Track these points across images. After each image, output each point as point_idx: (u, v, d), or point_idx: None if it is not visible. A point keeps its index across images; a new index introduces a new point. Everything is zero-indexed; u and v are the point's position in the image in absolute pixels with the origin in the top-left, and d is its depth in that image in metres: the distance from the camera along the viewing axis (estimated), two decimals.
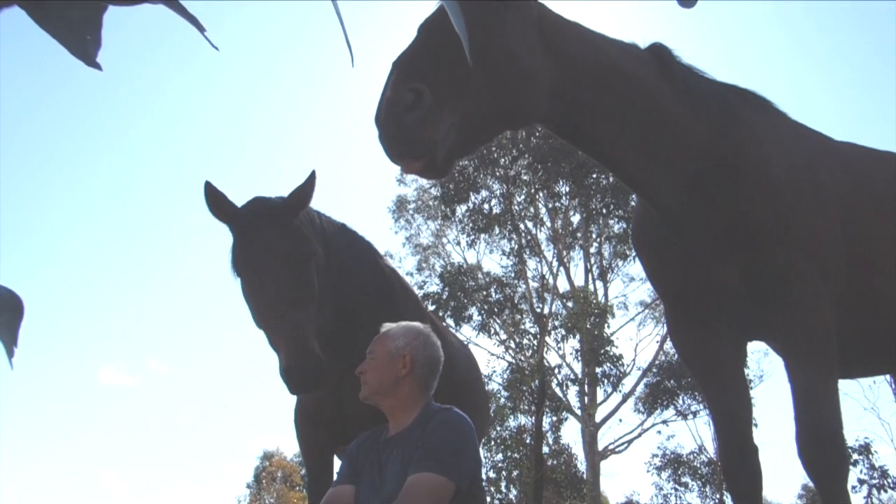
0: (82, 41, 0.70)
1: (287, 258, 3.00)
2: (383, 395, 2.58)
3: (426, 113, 2.09)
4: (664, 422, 20.74)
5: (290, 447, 35.24)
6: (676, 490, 21.50)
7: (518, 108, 2.36)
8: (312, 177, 3.25)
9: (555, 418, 19.88)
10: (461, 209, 19.91)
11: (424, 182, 20.43)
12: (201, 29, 0.75)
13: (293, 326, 2.85)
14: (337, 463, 3.71)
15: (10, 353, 0.70)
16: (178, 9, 0.73)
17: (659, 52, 2.72)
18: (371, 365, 2.61)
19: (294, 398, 3.63)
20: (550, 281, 20.29)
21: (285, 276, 2.95)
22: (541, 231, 20.77)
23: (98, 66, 0.73)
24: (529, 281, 20.21)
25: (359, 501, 2.53)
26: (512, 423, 19.94)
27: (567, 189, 19.40)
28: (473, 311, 19.62)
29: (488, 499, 19.27)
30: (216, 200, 3.12)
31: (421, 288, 20.27)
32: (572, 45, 2.50)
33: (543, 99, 2.39)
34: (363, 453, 2.63)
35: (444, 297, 19.27)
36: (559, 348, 19.66)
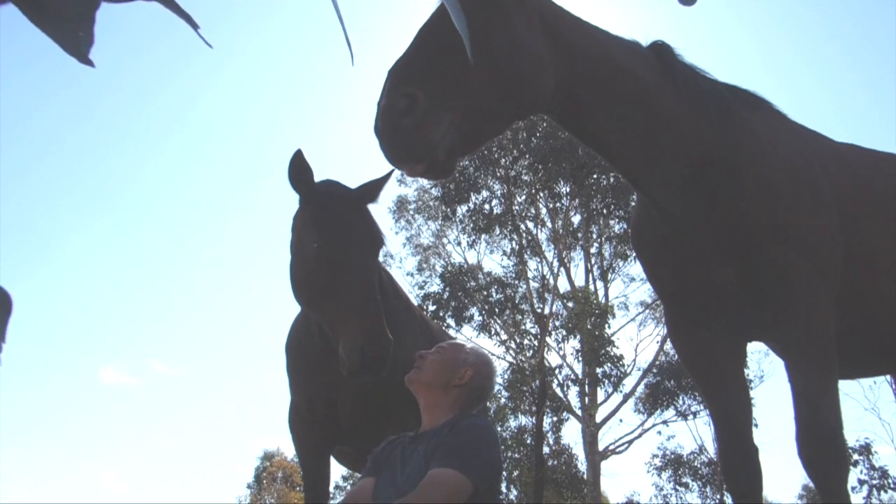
0: (75, 38, 0.70)
1: (368, 240, 3.08)
2: (426, 389, 2.65)
3: (421, 116, 2.10)
4: (664, 422, 20.76)
5: (290, 447, 35.19)
6: (677, 490, 21.50)
7: (523, 98, 2.35)
8: (389, 176, 3.31)
9: (555, 418, 19.90)
10: (462, 209, 19.93)
11: (425, 182, 20.45)
12: (195, 26, 0.75)
13: (373, 308, 2.85)
14: (334, 464, 3.71)
15: None
16: (172, 6, 0.73)
17: (660, 51, 2.72)
18: (435, 357, 2.68)
19: (290, 399, 3.63)
20: (551, 281, 20.29)
21: (367, 256, 3.02)
22: (541, 231, 20.80)
23: (90, 63, 0.72)
24: (530, 281, 20.22)
25: (377, 491, 2.58)
26: (512, 423, 19.99)
27: (567, 189, 19.41)
28: (474, 311, 19.63)
29: None
30: (302, 171, 3.15)
31: (422, 288, 20.30)
32: (575, 37, 2.50)
33: (550, 88, 2.39)
34: (388, 450, 2.69)
35: (445, 297, 19.28)
36: (560, 349, 19.68)
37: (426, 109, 2.11)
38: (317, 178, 3.24)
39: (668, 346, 19.40)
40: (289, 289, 3.15)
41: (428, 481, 2.35)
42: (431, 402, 2.64)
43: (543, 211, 20.59)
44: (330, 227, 3.00)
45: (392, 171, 3.31)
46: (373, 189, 3.28)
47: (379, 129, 2.16)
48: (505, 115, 2.37)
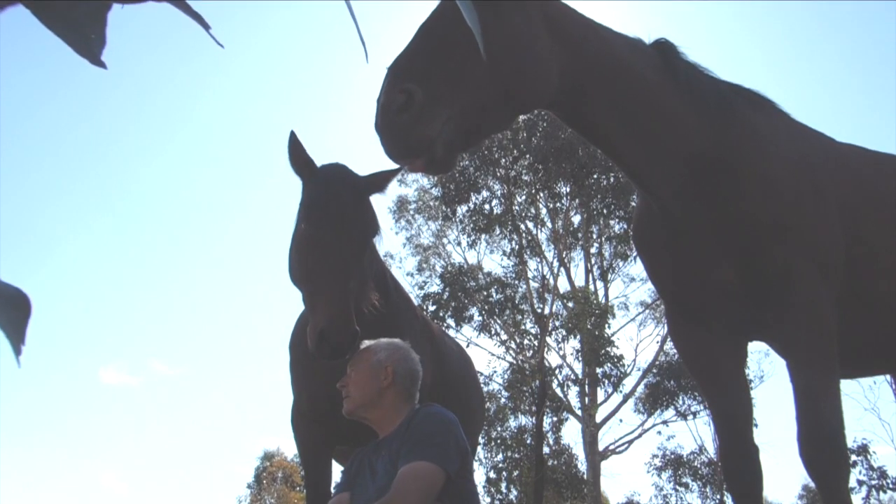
0: (87, 39, 0.71)
1: (358, 228, 3.04)
2: (367, 408, 2.67)
3: (418, 112, 2.13)
4: (664, 422, 20.75)
5: (290, 447, 35.25)
6: (677, 490, 21.51)
7: (523, 93, 2.37)
8: (398, 171, 3.30)
9: (555, 419, 19.90)
10: (462, 209, 19.93)
11: (425, 182, 20.47)
12: (206, 26, 0.76)
13: (340, 294, 2.85)
14: (335, 465, 3.71)
15: (18, 352, 0.70)
16: (183, 7, 0.74)
17: (663, 49, 2.72)
18: (353, 379, 2.70)
19: (292, 398, 3.63)
20: (551, 281, 20.29)
21: (350, 243, 2.99)
22: (541, 231, 20.79)
23: (103, 65, 0.73)
24: (530, 281, 20.21)
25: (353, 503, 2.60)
26: (512, 423, 19.99)
27: (567, 189, 19.41)
28: (474, 311, 19.62)
29: (489, 499, 19.31)
30: (297, 153, 3.15)
31: (422, 288, 20.28)
32: (577, 33, 2.51)
33: (551, 83, 2.40)
34: (357, 463, 2.72)
35: (445, 297, 19.27)
36: (560, 349, 19.67)
37: (423, 105, 2.13)
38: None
39: (669, 345, 19.42)
40: (288, 289, 3.18)
41: (401, 478, 2.37)
42: (376, 416, 2.67)
43: (543, 211, 20.59)
44: (319, 211, 2.99)
45: (402, 168, 3.30)
46: (380, 179, 3.24)
47: (378, 125, 2.19)
48: (505, 109, 2.38)
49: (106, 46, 0.72)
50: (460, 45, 2.20)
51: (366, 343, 2.81)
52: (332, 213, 2.99)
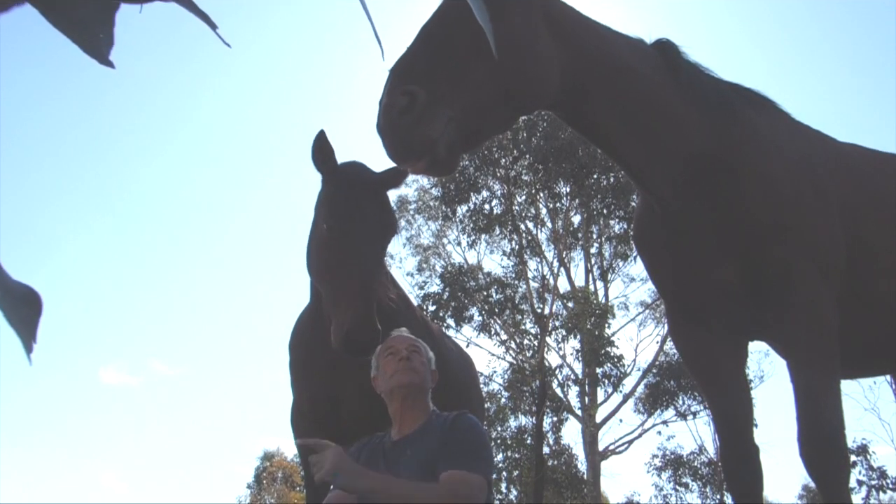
0: (95, 39, 0.71)
1: (380, 225, 3.08)
2: (420, 392, 2.63)
3: (420, 113, 2.13)
4: (664, 422, 20.76)
5: (290, 447, 35.25)
6: (677, 490, 21.51)
7: (524, 92, 2.37)
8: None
9: (555, 419, 19.89)
10: (462, 209, 19.92)
11: (425, 182, 20.47)
12: (213, 26, 0.76)
13: (365, 292, 2.87)
14: None
15: (29, 349, 0.70)
16: (190, 6, 0.74)
17: (664, 48, 2.73)
18: (420, 361, 2.67)
19: (292, 398, 3.64)
20: (551, 281, 20.29)
21: (374, 241, 3.02)
22: (541, 231, 20.79)
23: (111, 64, 0.73)
24: (530, 281, 20.21)
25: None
26: (512, 423, 19.98)
27: (568, 189, 19.41)
28: (474, 311, 19.62)
29: None
30: (323, 152, 3.17)
31: (422, 288, 20.28)
32: (578, 33, 2.51)
33: (552, 82, 2.41)
34: (365, 457, 2.65)
35: (445, 297, 19.27)
36: (560, 349, 19.67)
37: (425, 106, 2.13)
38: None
39: (669, 345, 19.43)
40: (288, 289, 3.19)
41: (452, 480, 2.34)
42: (416, 407, 2.61)
43: (543, 211, 20.59)
44: (342, 210, 3.02)
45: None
46: (396, 175, 3.26)
47: (380, 127, 2.18)
48: (507, 109, 2.38)
49: (114, 46, 0.72)
50: (462, 45, 2.20)
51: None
52: (356, 211, 3.02)
